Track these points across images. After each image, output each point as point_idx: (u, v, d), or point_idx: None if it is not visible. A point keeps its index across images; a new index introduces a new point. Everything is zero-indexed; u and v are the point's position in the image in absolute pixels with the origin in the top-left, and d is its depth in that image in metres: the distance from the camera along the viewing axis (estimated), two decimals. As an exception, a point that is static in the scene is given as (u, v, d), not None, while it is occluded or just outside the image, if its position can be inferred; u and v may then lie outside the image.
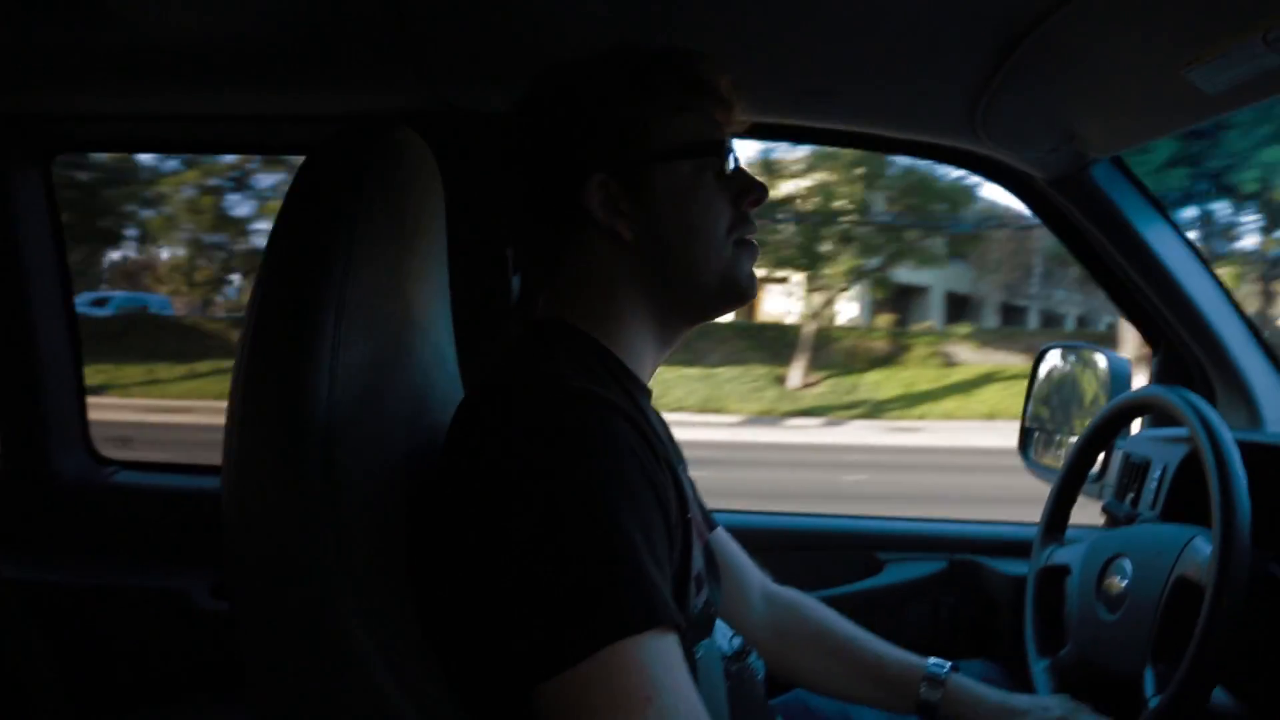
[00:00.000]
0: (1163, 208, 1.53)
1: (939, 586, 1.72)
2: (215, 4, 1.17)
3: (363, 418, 0.82)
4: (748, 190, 0.93)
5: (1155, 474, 1.43)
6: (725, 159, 0.92)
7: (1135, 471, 1.49)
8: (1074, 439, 1.51)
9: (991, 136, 1.41)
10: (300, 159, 0.88)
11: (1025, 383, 1.82)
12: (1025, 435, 1.80)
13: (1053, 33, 1.08)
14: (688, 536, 0.83)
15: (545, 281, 0.95)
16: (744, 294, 0.94)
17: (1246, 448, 1.08)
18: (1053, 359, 1.80)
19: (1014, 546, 1.72)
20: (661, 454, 0.81)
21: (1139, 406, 1.36)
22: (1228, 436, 1.06)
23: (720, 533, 1.20)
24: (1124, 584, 1.16)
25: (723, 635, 1.01)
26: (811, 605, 1.22)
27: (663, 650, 0.69)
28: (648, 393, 0.95)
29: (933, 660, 1.16)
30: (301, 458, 0.76)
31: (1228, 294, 1.57)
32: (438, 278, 1.08)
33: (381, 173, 0.89)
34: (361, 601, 0.76)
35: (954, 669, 1.15)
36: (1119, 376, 1.59)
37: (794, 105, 1.44)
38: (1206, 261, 1.56)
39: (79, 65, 1.39)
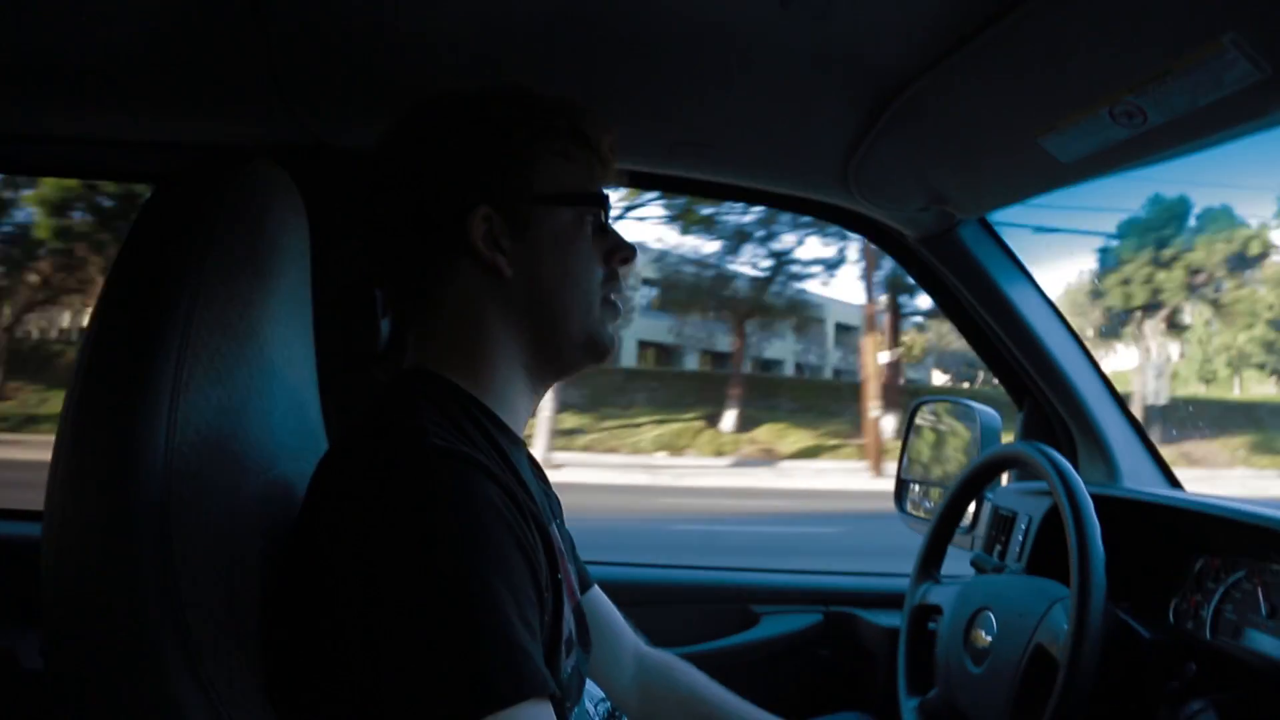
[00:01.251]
0: (1025, 269, 1.59)
1: (814, 639, 1.73)
2: (66, 22, 1.10)
3: (205, 467, 0.77)
4: (619, 248, 0.94)
5: (1021, 526, 1.48)
6: (606, 212, 0.93)
7: (1003, 523, 1.53)
8: (941, 491, 1.55)
9: (863, 194, 1.45)
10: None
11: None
12: (901, 487, 1.84)
13: (919, 97, 1.12)
14: (558, 598, 0.81)
15: (414, 322, 0.92)
16: (606, 351, 0.94)
17: (1103, 501, 1.12)
18: (926, 412, 1.85)
19: (888, 599, 1.74)
20: (530, 511, 0.78)
21: (1005, 461, 1.40)
22: (1083, 491, 1.09)
23: (594, 591, 1.17)
24: (989, 639, 1.19)
25: (590, 700, 0.98)
26: (682, 669, 1.19)
27: (537, 718, 0.67)
28: (520, 443, 0.93)
29: None
30: (132, 507, 0.70)
31: (1086, 352, 1.64)
32: (299, 319, 1.03)
33: (237, 205, 0.84)
34: (193, 664, 0.71)
35: None
36: (989, 430, 1.64)
37: (668, 155, 1.45)
38: (1066, 321, 1.63)
39: None
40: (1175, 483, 1.64)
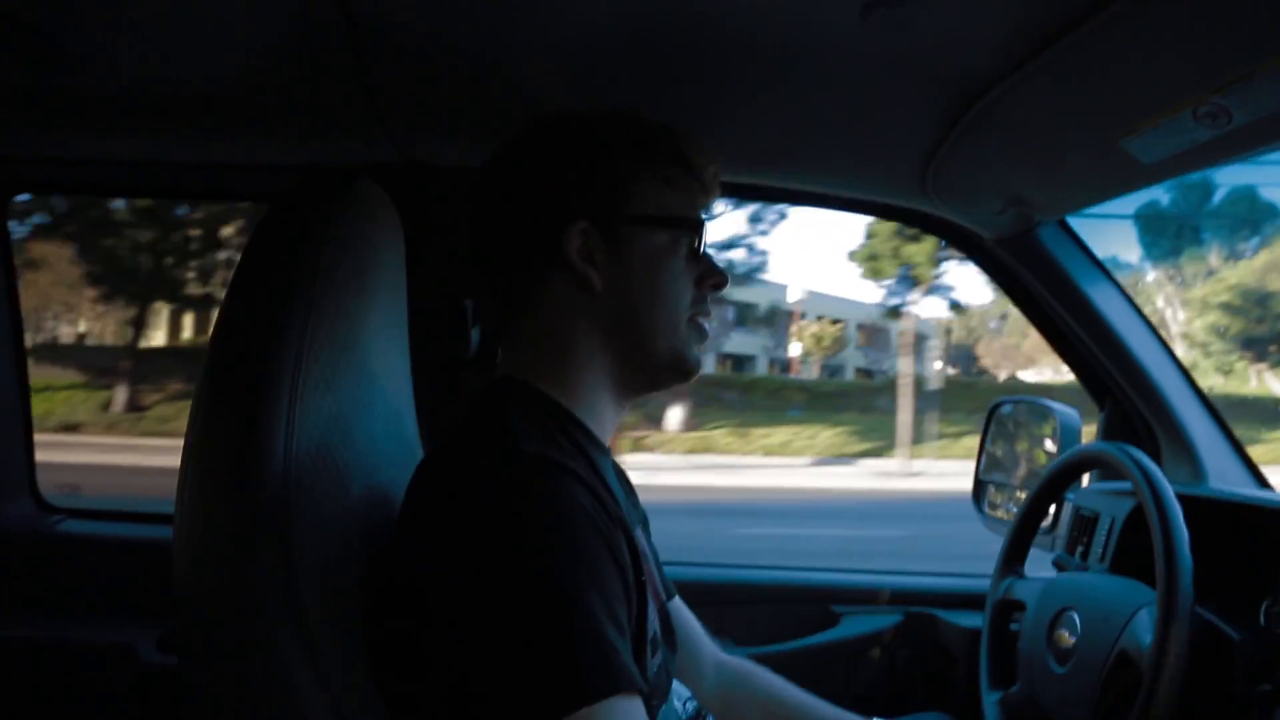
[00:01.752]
0: (1105, 269, 1.58)
1: (894, 639, 1.73)
2: (178, 54, 1.18)
3: (319, 472, 0.81)
4: (711, 274, 0.97)
5: (1104, 527, 1.46)
6: (701, 239, 0.95)
7: (1085, 524, 1.52)
8: (1026, 492, 1.54)
9: (941, 198, 1.46)
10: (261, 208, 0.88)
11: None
12: (979, 488, 1.83)
13: (999, 101, 1.12)
14: (643, 598, 0.83)
15: (506, 332, 0.96)
16: (691, 371, 0.96)
17: (1189, 502, 1.11)
18: (1005, 413, 1.84)
19: (969, 599, 1.74)
20: (616, 515, 0.81)
21: (1087, 461, 1.39)
22: (1170, 493, 1.09)
23: (676, 602, 1.19)
24: (1073, 640, 1.18)
25: (678, 698, 1.00)
26: (761, 674, 1.22)
27: (626, 714, 0.69)
28: (606, 451, 0.95)
29: None
30: (256, 512, 0.75)
31: (1170, 351, 1.62)
32: (397, 331, 1.08)
33: (343, 224, 0.89)
34: (313, 662, 0.75)
35: None
36: (1069, 430, 1.63)
37: (749, 164, 1.47)
38: (1148, 320, 1.61)
39: (40, 108, 1.38)
40: (1264, 482, 1.60)
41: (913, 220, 1.62)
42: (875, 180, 1.50)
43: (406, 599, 0.77)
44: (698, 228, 0.95)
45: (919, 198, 1.49)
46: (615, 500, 0.86)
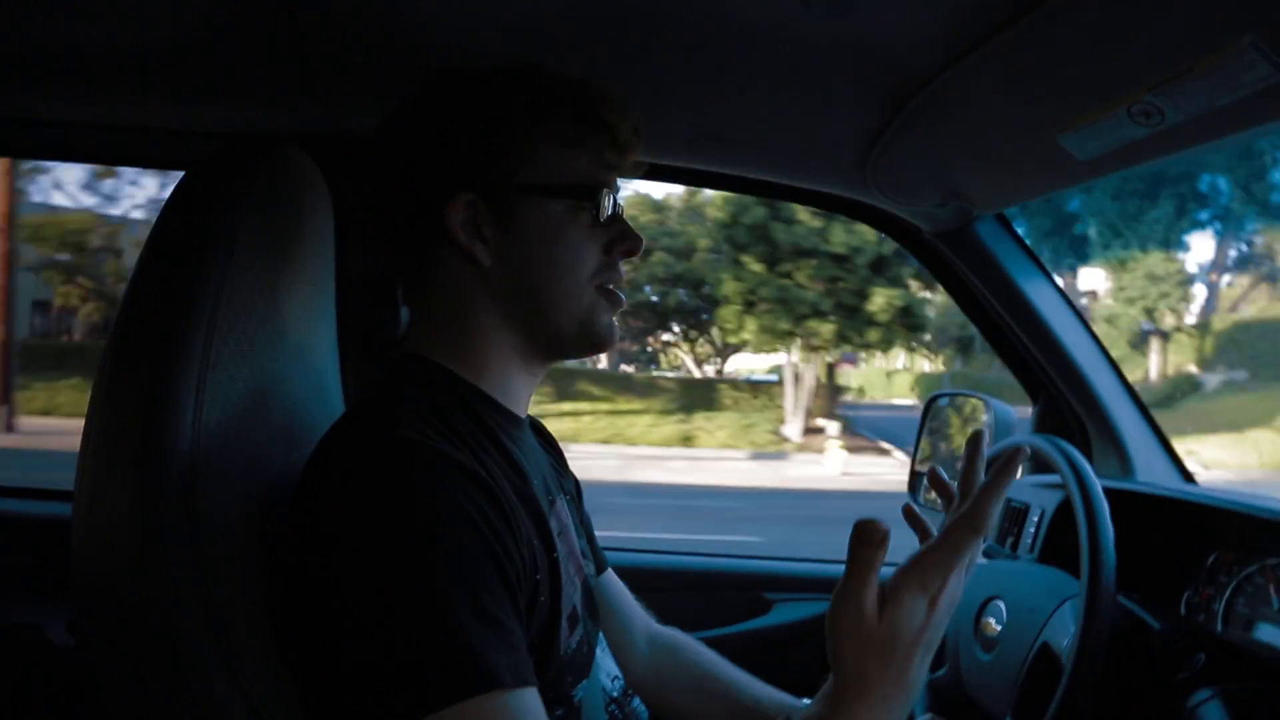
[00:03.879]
0: (1042, 264, 1.60)
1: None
2: (108, 14, 1.12)
3: (231, 446, 0.79)
4: (622, 239, 0.91)
5: (1034, 518, 1.49)
6: (607, 204, 0.89)
7: (1015, 515, 1.54)
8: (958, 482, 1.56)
9: (880, 189, 1.46)
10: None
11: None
12: (915, 478, 1.85)
13: (939, 93, 1.13)
14: (556, 576, 0.82)
15: (410, 307, 0.92)
16: (601, 342, 0.91)
17: (1116, 495, 1.13)
18: (941, 405, 1.86)
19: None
20: (509, 500, 0.78)
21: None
22: (1098, 488, 1.11)
23: (608, 574, 1.18)
24: (998, 629, 1.20)
25: (606, 675, 0.99)
26: (694, 648, 1.20)
27: (494, 713, 0.67)
28: (519, 422, 0.92)
29: (806, 701, 1.15)
30: (159, 489, 0.72)
31: (1101, 347, 1.65)
32: (322, 304, 1.05)
33: (264, 192, 0.86)
34: (220, 639, 0.73)
35: None
36: (1003, 423, 1.65)
37: (686, 148, 1.45)
38: (1082, 316, 1.64)
39: None
40: (1189, 477, 1.65)
41: (852, 211, 1.63)
42: (815, 168, 1.50)
43: (291, 577, 0.75)
44: (596, 195, 0.89)
45: (859, 188, 1.49)
46: (522, 477, 0.83)
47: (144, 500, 0.72)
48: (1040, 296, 1.59)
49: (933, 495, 1.80)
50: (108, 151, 1.77)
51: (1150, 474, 1.61)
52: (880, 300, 15.18)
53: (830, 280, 15.27)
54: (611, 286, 0.91)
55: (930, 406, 1.86)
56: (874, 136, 1.29)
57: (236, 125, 1.48)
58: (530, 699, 0.70)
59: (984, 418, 1.72)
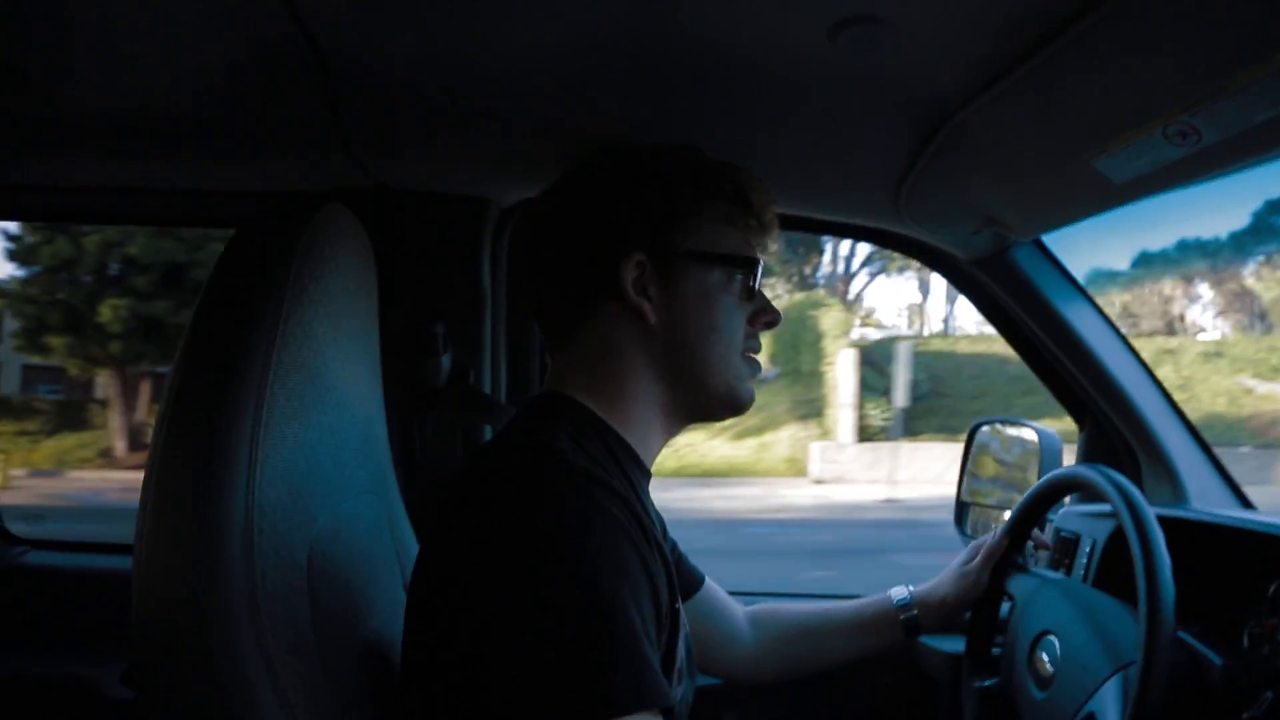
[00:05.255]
0: (1082, 288, 1.58)
1: (875, 665, 1.70)
2: (141, 81, 1.16)
3: (284, 500, 0.80)
4: (764, 312, 0.99)
5: (1085, 548, 1.45)
6: (755, 277, 0.97)
7: (1066, 546, 1.50)
8: (1007, 514, 1.53)
9: (915, 219, 1.46)
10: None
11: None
12: (961, 509, 1.81)
13: (970, 122, 1.12)
14: (675, 626, 0.84)
15: (557, 352, 0.97)
16: (743, 406, 0.98)
17: (1170, 524, 1.09)
18: (985, 434, 1.83)
19: (951, 624, 1.71)
20: (654, 539, 0.81)
21: (1067, 485, 1.38)
22: (1152, 518, 1.07)
23: (708, 583, 1.26)
24: (1051, 670, 1.17)
25: None
26: (775, 605, 1.33)
27: None
28: (649, 475, 0.96)
29: (893, 591, 1.36)
30: (218, 542, 0.73)
31: (1149, 371, 1.61)
32: (368, 356, 1.07)
33: (310, 249, 0.88)
34: (279, 693, 0.74)
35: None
36: (1050, 452, 1.62)
37: None
38: (1127, 340, 1.61)
39: (2, 134, 1.36)
40: (1247, 503, 1.60)
41: (887, 241, 1.62)
42: (849, 201, 1.50)
43: (441, 608, 0.77)
44: (753, 266, 0.96)
45: (893, 219, 1.49)
46: (654, 523, 0.87)
47: (203, 555, 0.73)
48: (1082, 321, 1.56)
49: (975, 529, 1.77)
50: (161, 214, 1.82)
51: (1205, 500, 1.56)
52: (108, 312, 14.48)
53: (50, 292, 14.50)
54: (753, 355, 0.99)
55: (974, 435, 1.83)
56: (906, 168, 1.29)
57: (282, 184, 1.52)
58: None
59: (1029, 445, 1.69)
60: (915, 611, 1.31)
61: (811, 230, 1.62)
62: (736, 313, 0.96)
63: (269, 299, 0.82)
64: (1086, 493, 1.34)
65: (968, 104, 1.09)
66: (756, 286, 0.98)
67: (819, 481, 15.53)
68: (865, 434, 16.30)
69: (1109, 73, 0.95)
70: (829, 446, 16.13)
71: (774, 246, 1.03)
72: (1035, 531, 1.39)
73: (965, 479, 1.82)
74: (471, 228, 1.53)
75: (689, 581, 1.23)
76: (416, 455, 1.47)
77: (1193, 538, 1.26)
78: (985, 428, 1.83)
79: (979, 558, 1.36)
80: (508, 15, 0.96)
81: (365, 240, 1.05)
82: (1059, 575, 1.45)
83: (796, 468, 16.37)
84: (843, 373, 16.34)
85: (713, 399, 0.96)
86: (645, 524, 0.80)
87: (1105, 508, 1.40)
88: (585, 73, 1.10)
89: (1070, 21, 0.88)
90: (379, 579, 1.01)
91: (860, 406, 16.33)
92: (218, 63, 1.10)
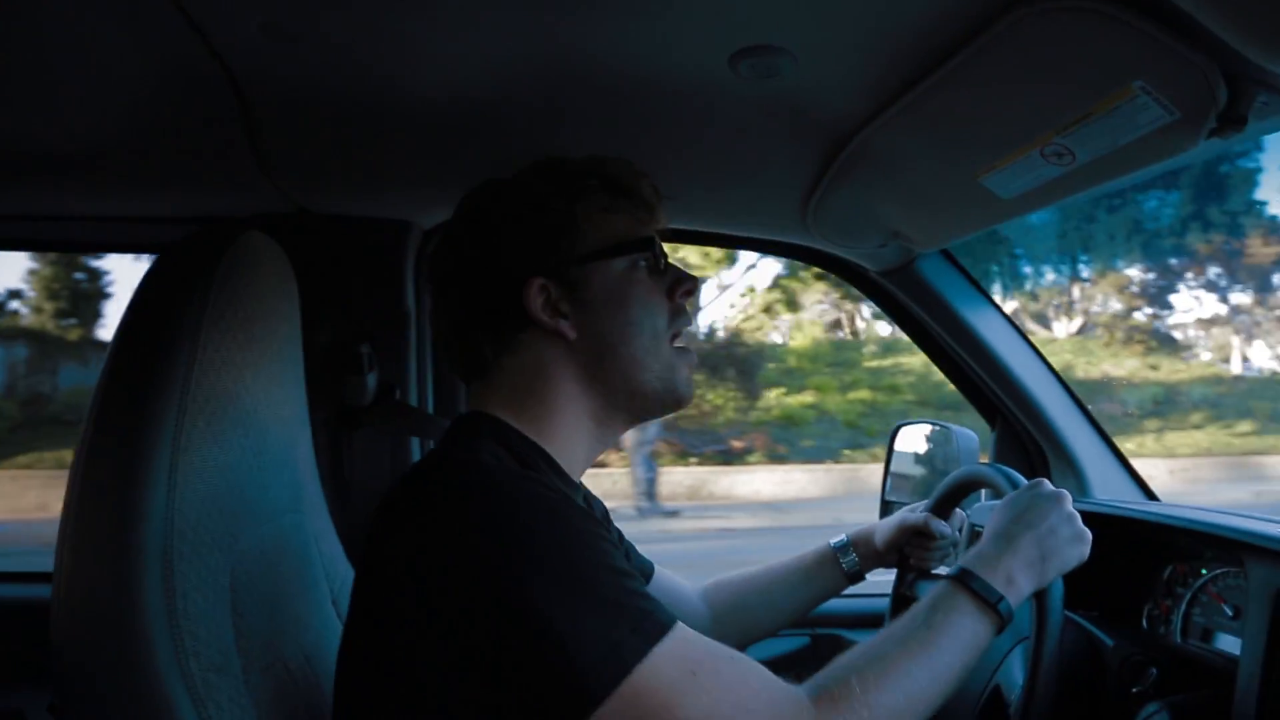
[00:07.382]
0: (988, 295, 1.65)
1: (802, 663, 1.75)
2: (60, 108, 1.16)
3: (204, 524, 0.81)
4: (680, 282, 0.98)
5: None
6: (655, 254, 0.96)
7: (976, 537, 1.56)
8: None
9: (822, 234, 1.51)
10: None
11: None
12: (885, 508, 1.87)
13: (867, 143, 1.18)
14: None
15: (482, 381, 0.96)
16: (681, 399, 0.97)
17: None
18: (907, 435, 1.89)
19: (876, 620, 1.77)
20: (600, 519, 0.85)
21: (971, 483, 1.44)
22: None
23: (659, 570, 1.25)
24: None
25: None
26: (722, 577, 1.34)
27: (689, 640, 0.74)
28: (575, 486, 0.96)
29: (832, 540, 1.35)
30: (137, 567, 0.74)
31: (1052, 370, 1.69)
32: (290, 377, 1.08)
33: (230, 275, 0.89)
34: (200, 712, 0.75)
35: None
36: (967, 451, 1.68)
37: None
38: (1030, 341, 1.69)
39: None
40: (1149, 493, 1.68)
41: (801, 255, 1.67)
42: (759, 219, 1.55)
43: (388, 619, 0.76)
44: (649, 244, 0.96)
45: (802, 234, 1.54)
46: (594, 510, 0.90)
47: (122, 581, 0.74)
48: (987, 326, 1.63)
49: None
50: (83, 241, 1.79)
51: (1107, 491, 1.64)
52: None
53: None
54: (681, 343, 0.98)
55: (896, 436, 1.89)
56: (811, 186, 1.34)
57: (202, 210, 1.52)
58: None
59: (950, 446, 1.75)
60: (853, 554, 1.32)
61: (726, 245, 1.67)
62: (652, 297, 0.95)
63: (186, 326, 0.83)
64: (990, 489, 1.40)
65: (865, 126, 1.14)
66: (661, 262, 0.97)
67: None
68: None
69: (990, 98, 1.01)
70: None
71: (664, 220, 1.02)
72: (945, 525, 1.44)
73: (889, 479, 1.88)
74: (394, 250, 1.54)
75: (641, 571, 1.24)
76: (345, 472, 1.48)
77: (1096, 528, 1.33)
78: (907, 428, 1.89)
79: (896, 517, 1.39)
80: (424, 43, 0.98)
81: (286, 265, 1.06)
82: None
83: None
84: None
85: (650, 397, 0.95)
86: (588, 509, 0.82)
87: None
88: (500, 98, 1.12)
89: (954, 50, 0.94)
90: (306, 596, 1.02)
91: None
92: (135, 91, 1.10)
